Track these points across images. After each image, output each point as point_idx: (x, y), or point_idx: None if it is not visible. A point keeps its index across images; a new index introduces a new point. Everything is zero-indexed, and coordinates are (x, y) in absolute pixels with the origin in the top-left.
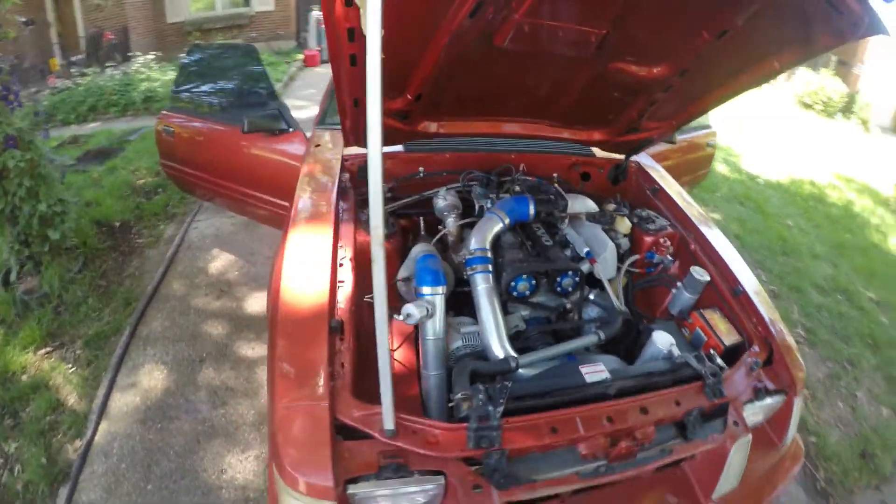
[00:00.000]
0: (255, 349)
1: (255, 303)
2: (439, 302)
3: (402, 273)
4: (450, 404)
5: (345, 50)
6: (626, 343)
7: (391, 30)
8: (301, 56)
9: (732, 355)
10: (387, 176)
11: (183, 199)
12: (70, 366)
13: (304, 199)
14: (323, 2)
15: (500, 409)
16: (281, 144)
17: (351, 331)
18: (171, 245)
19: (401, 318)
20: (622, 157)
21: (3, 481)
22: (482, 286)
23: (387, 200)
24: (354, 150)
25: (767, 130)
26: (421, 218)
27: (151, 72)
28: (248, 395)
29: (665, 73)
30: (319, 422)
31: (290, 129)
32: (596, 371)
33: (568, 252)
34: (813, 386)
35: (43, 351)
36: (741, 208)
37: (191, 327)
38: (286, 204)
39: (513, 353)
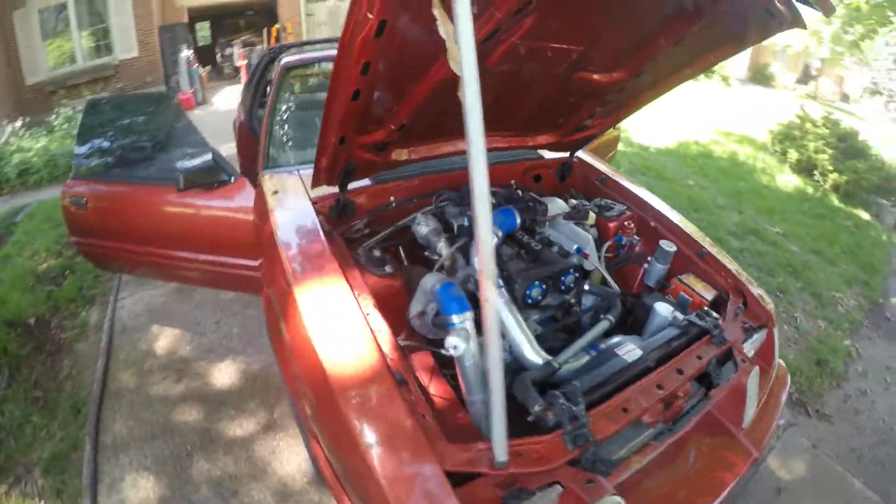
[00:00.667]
0: (242, 426)
1: (222, 375)
2: (470, 327)
3: (416, 308)
4: (529, 419)
5: (351, 83)
6: (627, 320)
7: (391, 65)
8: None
9: (715, 308)
10: (358, 211)
11: (97, 278)
12: (36, 500)
13: (291, 252)
14: (349, 25)
15: (583, 406)
16: (224, 197)
17: (410, 378)
18: (102, 333)
19: (448, 351)
20: (566, 155)
21: None
22: (500, 301)
23: (364, 237)
24: (320, 190)
25: None
26: (400, 247)
27: (22, 141)
28: (257, 476)
29: (622, 77)
30: (437, 481)
31: (232, 179)
32: (630, 350)
33: (555, 250)
34: None
35: None
36: (645, 178)
37: (160, 420)
38: (239, 262)
39: (548, 357)
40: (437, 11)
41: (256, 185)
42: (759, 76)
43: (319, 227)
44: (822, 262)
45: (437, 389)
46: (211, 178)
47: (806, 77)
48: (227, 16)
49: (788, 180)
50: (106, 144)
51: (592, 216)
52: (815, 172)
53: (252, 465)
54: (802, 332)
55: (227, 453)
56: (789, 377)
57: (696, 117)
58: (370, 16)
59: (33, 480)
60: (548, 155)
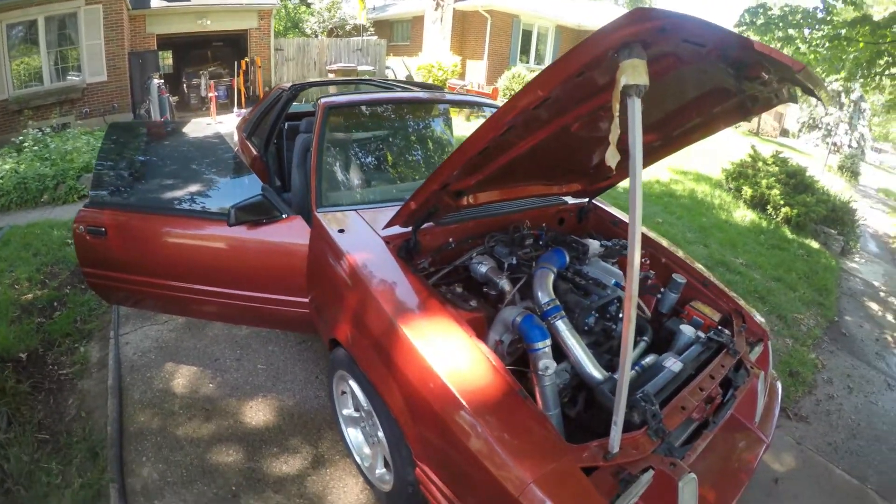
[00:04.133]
0: (289, 463)
1: (255, 413)
2: (550, 352)
3: (493, 337)
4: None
5: (488, 139)
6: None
7: (518, 131)
8: None
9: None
10: (423, 250)
11: (92, 311)
12: None
13: (383, 290)
14: (522, 94)
15: (657, 406)
16: (276, 233)
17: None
18: (108, 370)
19: (541, 372)
20: (585, 200)
21: None
22: (565, 329)
23: (428, 274)
24: (387, 232)
25: None
26: (457, 284)
27: None
28: None
29: (653, 139)
30: (576, 475)
31: (284, 216)
32: (674, 363)
33: (603, 289)
34: None
35: None
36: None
37: (195, 462)
38: (288, 298)
39: (607, 373)
40: (615, 104)
41: (311, 224)
42: None
43: (400, 266)
44: (783, 288)
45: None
46: (263, 214)
47: None
48: (195, 45)
49: (744, 215)
50: (131, 170)
51: (616, 258)
52: (769, 207)
53: (308, 502)
54: (774, 350)
55: (278, 491)
56: (779, 382)
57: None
58: (541, 93)
59: None
60: (570, 200)
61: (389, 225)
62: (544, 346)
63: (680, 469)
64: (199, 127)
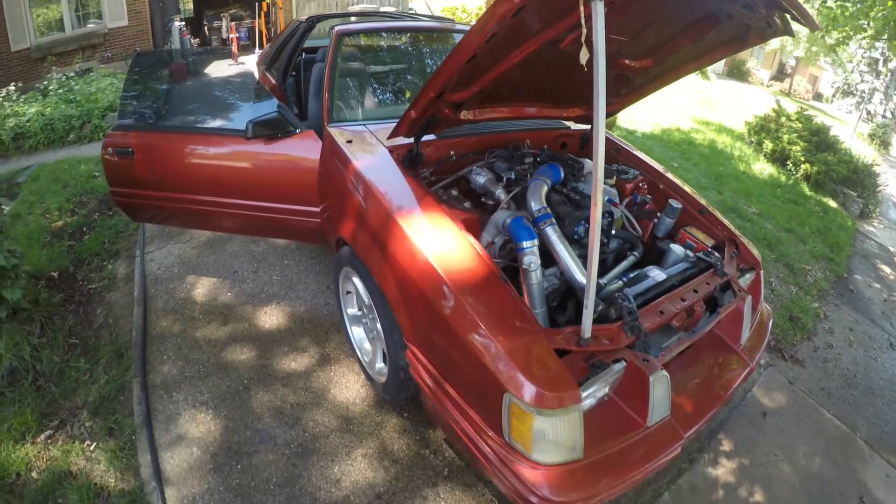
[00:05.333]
0: (297, 360)
1: (268, 318)
2: (537, 252)
3: (486, 238)
4: (594, 316)
5: (473, 47)
6: (644, 259)
7: (510, 36)
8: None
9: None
10: (425, 161)
11: (119, 234)
12: (87, 442)
13: (384, 189)
14: (503, 3)
15: (635, 305)
16: (292, 146)
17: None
18: (134, 283)
19: (526, 267)
20: (588, 127)
21: None
22: (555, 235)
23: (430, 183)
24: (392, 142)
25: None
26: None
27: (16, 105)
28: (318, 403)
29: (649, 65)
30: (546, 350)
31: (298, 131)
32: (657, 274)
33: None
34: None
35: (43, 436)
36: None
37: (212, 360)
38: (300, 208)
39: (600, 282)
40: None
41: (323, 138)
42: (736, 71)
43: (402, 171)
44: (794, 240)
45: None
46: (278, 128)
47: (781, 74)
48: None
49: (763, 168)
50: (155, 94)
51: (612, 178)
52: (788, 162)
53: (312, 394)
54: (777, 294)
55: (286, 385)
56: (771, 313)
57: (675, 106)
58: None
59: (80, 423)
60: (573, 126)
61: (393, 135)
62: (531, 245)
63: (653, 365)
64: (220, 67)
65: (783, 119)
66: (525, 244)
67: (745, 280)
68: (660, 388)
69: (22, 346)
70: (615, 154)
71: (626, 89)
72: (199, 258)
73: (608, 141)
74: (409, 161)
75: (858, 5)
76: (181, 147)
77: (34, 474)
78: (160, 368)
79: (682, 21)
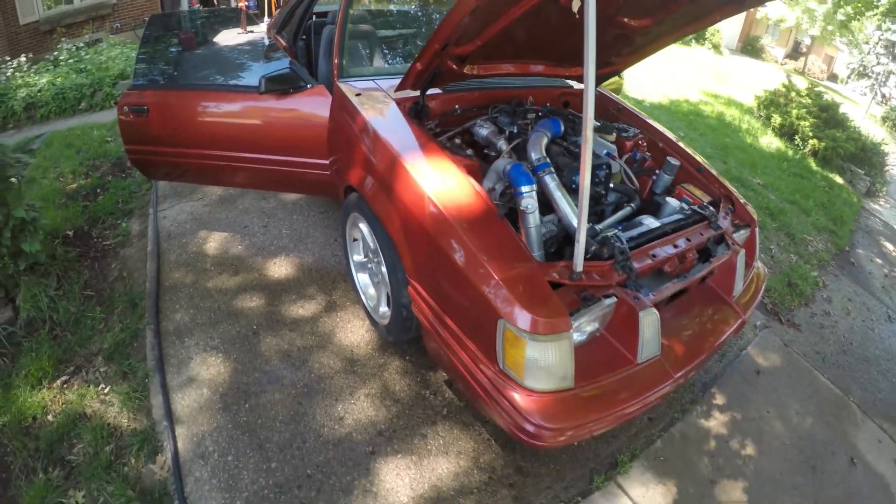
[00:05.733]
0: (304, 307)
1: (277, 269)
2: (535, 197)
3: (487, 184)
4: (587, 256)
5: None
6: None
7: None
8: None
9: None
10: (431, 114)
11: (133, 194)
12: (101, 385)
13: (391, 136)
14: None
15: (627, 245)
16: (304, 101)
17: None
18: (148, 239)
19: (524, 209)
20: None
21: None
22: (553, 183)
23: (435, 135)
24: (399, 94)
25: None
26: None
27: (27, 76)
28: (324, 346)
29: (648, 24)
30: (539, 280)
31: (309, 85)
32: (651, 222)
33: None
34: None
35: (59, 381)
36: None
37: (223, 308)
38: (311, 161)
39: (591, 226)
40: None
41: (333, 93)
42: (750, 48)
43: (408, 121)
44: (797, 211)
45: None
46: (290, 84)
47: (796, 53)
48: None
49: (771, 142)
50: (169, 55)
51: (612, 135)
52: (796, 137)
53: (318, 338)
54: (776, 261)
55: (293, 330)
56: (766, 273)
57: (686, 79)
58: None
59: (95, 369)
60: (575, 85)
61: (400, 88)
62: (529, 190)
63: (642, 303)
64: (229, 36)
65: (793, 94)
66: (524, 189)
67: (740, 236)
68: (649, 325)
69: (40, 297)
70: (616, 114)
71: (627, 48)
72: (211, 215)
73: (610, 101)
74: (414, 113)
75: None
76: (195, 104)
77: (50, 417)
78: (172, 317)
79: None
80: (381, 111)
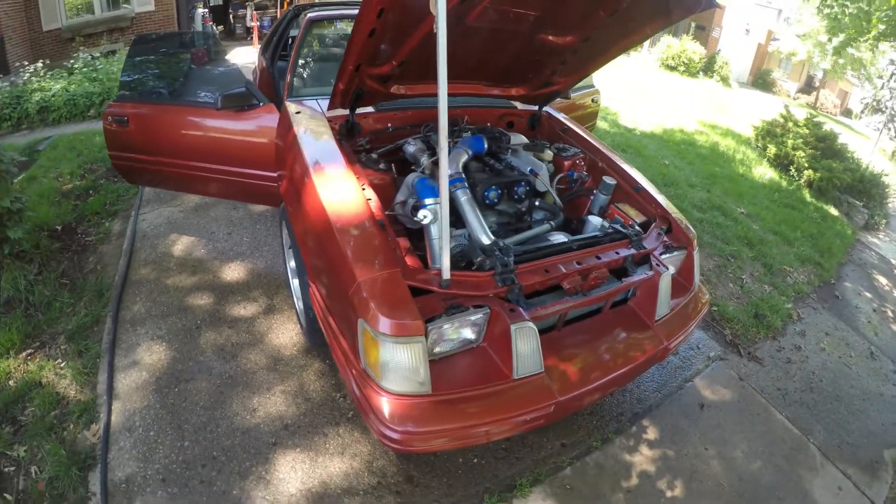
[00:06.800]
0: (246, 308)
1: (231, 272)
2: (438, 210)
3: (399, 198)
4: (473, 268)
5: (369, 23)
6: (567, 231)
7: (401, 11)
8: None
9: (644, 230)
10: (363, 131)
11: (120, 197)
12: (59, 360)
13: (309, 150)
14: None
15: (512, 258)
16: (254, 118)
17: (390, 228)
18: (125, 238)
19: (419, 218)
20: (536, 108)
21: (21, 487)
22: (464, 198)
23: (365, 151)
24: (332, 113)
25: (637, 91)
26: (392, 164)
27: (43, 81)
28: (255, 344)
29: (573, 41)
30: (399, 284)
31: (262, 103)
32: (558, 238)
33: (514, 172)
34: (706, 273)
35: (24, 354)
36: (624, 154)
37: (175, 303)
38: (260, 173)
39: (494, 238)
40: None
41: (281, 110)
42: (761, 81)
43: (332, 136)
44: (780, 242)
45: (409, 260)
46: (244, 101)
47: (808, 87)
48: None
49: (764, 172)
50: (149, 73)
51: (550, 154)
52: (791, 168)
53: (252, 337)
54: (746, 291)
55: (231, 327)
56: (708, 297)
57: (686, 109)
58: None
59: (57, 346)
60: (521, 107)
61: (330, 106)
62: (432, 203)
63: (517, 315)
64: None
65: (790, 124)
66: (427, 201)
67: (674, 258)
68: (524, 339)
69: (19, 280)
70: (562, 134)
71: (563, 67)
72: (185, 220)
73: (557, 121)
74: (346, 130)
75: (860, 4)
76: (165, 116)
77: (11, 382)
78: (131, 307)
79: None
80: (311, 126)
